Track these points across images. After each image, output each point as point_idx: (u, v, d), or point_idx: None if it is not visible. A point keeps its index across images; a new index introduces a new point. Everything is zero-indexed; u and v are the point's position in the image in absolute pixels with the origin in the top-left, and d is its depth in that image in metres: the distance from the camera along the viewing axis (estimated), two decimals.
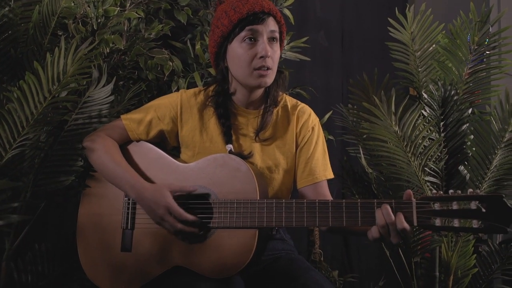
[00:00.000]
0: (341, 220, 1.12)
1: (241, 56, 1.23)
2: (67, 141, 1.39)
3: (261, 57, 1.22)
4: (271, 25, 1.24)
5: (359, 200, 1.12)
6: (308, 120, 1.36)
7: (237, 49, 1.24)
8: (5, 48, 1.39)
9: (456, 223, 1.04)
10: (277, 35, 1.26)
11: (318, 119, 1.40)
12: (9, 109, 1.26)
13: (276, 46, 1.26)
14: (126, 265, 1.24)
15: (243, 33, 1.23)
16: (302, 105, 1.39)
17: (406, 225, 1.06)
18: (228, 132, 1.29)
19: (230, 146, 1.28)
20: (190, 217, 1.17)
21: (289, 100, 1.39)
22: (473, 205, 1.02)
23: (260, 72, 1.24)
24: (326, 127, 2.07)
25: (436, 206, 1.06)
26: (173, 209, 1.17)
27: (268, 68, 1.24)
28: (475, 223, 1.02)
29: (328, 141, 2.05)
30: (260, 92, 1.32)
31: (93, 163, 1.30)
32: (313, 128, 1.36)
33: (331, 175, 1.37)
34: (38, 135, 1.32)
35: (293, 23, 2.06)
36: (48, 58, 1.28)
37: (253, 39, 1.23)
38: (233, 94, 1.32)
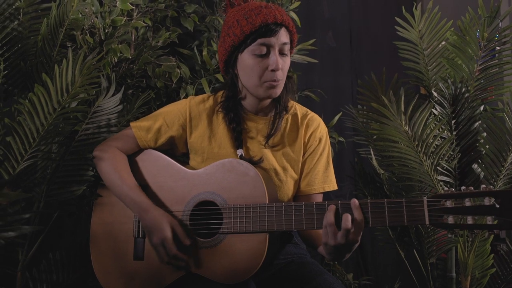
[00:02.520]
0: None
1: (252, 67, 1.23)
2: (78, 151, 1.41)
3: (272, 70, 1.22)
4: (283, 36, 1.22)
5: (369, 200, 1.10)
6: (317, 130, 1.35)
7: (247, 60, 1.23)
8: (15, 61, 1.42)
9: (469, 220, 1.02)
10: (288, 47, 1.25)
11: (326, 129, 1.39)
12: (20, 121, 1.28)
13: (287, 57, 1.25)
14: (139, 273, 1.25)
15: (255, 46, 1.21)
16: (312, 115, 1.38)
17: (349, 225, 1.07)
18: (239, 137, 1.29)
19: (241, 151, 1.28)
20: (180, 255, 1.19)
21: (299, 109, 1.38)
22: (487, 201, 1.00)
23: (270, 84, 1.23)
24: (336, 128, 2.06)
25: (448, 203, 1.03)
26: (167, 244, 1.19)
27: (278, 80, 1.24)
28: (489, 220, 1.00)
29: (339, 143, 2.05)
30: (269, 99, 1.32)
31: (101, 174, 1.31)
32: (320, 139, 1.35)
33: (330, 188, 1.36)
34: (49, 146, 1.34)
35: (300, 26, 2.05)
36: (56, 69, 1.30)
37: (265, 53, 1.22)
38: (243, 100, 1.32)
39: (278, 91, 1.26)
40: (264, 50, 1.21)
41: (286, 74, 1.27)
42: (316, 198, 1.35)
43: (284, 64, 1.24)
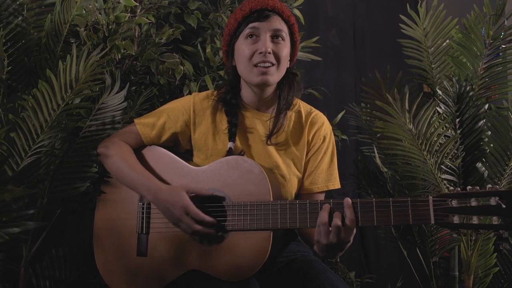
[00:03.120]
0: (356, 221, 1.10)
1: (243, 52, 1.25)
2: (81, 147, 1.40)
3: (261, 52, 1.22)
4: (276, 23, 1.24)
5: (374, 199, 1.10)
6: (321, 128, 1.35)
7: (241, 46, 1.25)
8: (19, 57, 1.42)
9: (475, 220, 1.02)
10: (282, 33, 1.25)
11: (331, 127, 1.39)
12: (24, 117, 1.28)
13: (283, 44, 1.25)
14: (142, 269, 1.25)
15: (246, 30, 1.24)
16: (316, 112, 1.38)
17: (339, 223, 1.07)
18: (232, 129, 1.29)
19: (231, 144, 1.28)
20: (207, 218, 1.16)
21: (303, 106, 1.38)
22: (493, 201, 1.00)
23: (260, 69, 1.23)
24: (339, 126, 2.06)
25: (454, 203, 1.03)
26: (190, 210, 1.16)
27: (270, 65, 1.23)
28: (495, 220, 1.00)
29: (342, 141, 2.04)
30: (270, 92, 1.31)
31: (108, 168, 1.31)
32: (324, 138, 1.35)
33: (335, 186, 1.36)
34: (53, 142, 1.34)
35: (304, 23, 2.05)
36: (60, 65, 1.30)
37: (255, 35, 1.24)
38: (244, 95, 1.32)
39: (271, 78, 1.24)
40: (255, 33, 1.23)
41: (283, 62, 1.26)
42: (318, 196, 1.35)
43: (277, 49, 1.24)
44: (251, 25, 1.23)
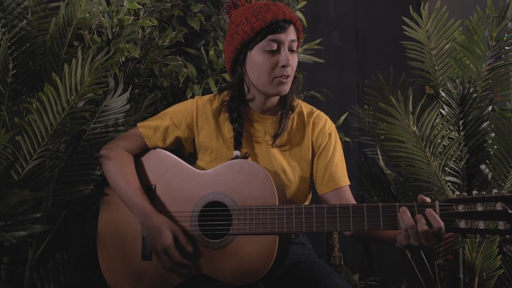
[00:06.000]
0: (362, 225, 1.10)
1: (262, 64, 1.23)
2: (85, 150, 1.41)
3: (283, 66, 1.22)
4: (292, 34, 1.24)
5: (380, 204, 1.10)
6: (325, 126, 1.35)
7: (257, 57, 1.23)
8: (24, 60, 1.42)
9: (481, 225, 1.02)
10: (296, 44, 1.25)
11: (334, 125, 1.39)
12: (29, 121, 1.28)
13: (295, 54, 1.26)
14: (147, 273, 1.25)
15: (265, 42, 1.22)
16: (318, 112, 1.38)
17: (426, 227, 1.04)
18: (238, 138, 1.29)
19: (237, 153, 1.28)
20: (184, 261, 1.19)
21: (305, 107, 1.38)
22: (499, 206, 1.00)
23: (280, 80, 1.23)
24: (342, 128, 2.06)
25: (460, 208, 1.03)
26: (170, 252, 1.18)
27: (288, 77, 1.24)
28: (501, 225, 1.00)
29: (345, 143, 2.04)
30: (276, 98, 1.32)
31: (106, 174, 1.31)
32: (330, 134, 1.35)
33: (348, 182, 1.35)
34: (57, 145, 1.34)
35: (306, 25, 2.05)
36: (65, 69, 1.30)
37: (275, 49, 1.22)
38: (250, 100, 1.32)
39: (287, 88, 1.26)
40: (275, 46, 1.22)
41: (294, 71, 1.27)
42: (344, 191, 1.32)
43: (293, 60, 1.24)
44: (271, 37, 1.21)
